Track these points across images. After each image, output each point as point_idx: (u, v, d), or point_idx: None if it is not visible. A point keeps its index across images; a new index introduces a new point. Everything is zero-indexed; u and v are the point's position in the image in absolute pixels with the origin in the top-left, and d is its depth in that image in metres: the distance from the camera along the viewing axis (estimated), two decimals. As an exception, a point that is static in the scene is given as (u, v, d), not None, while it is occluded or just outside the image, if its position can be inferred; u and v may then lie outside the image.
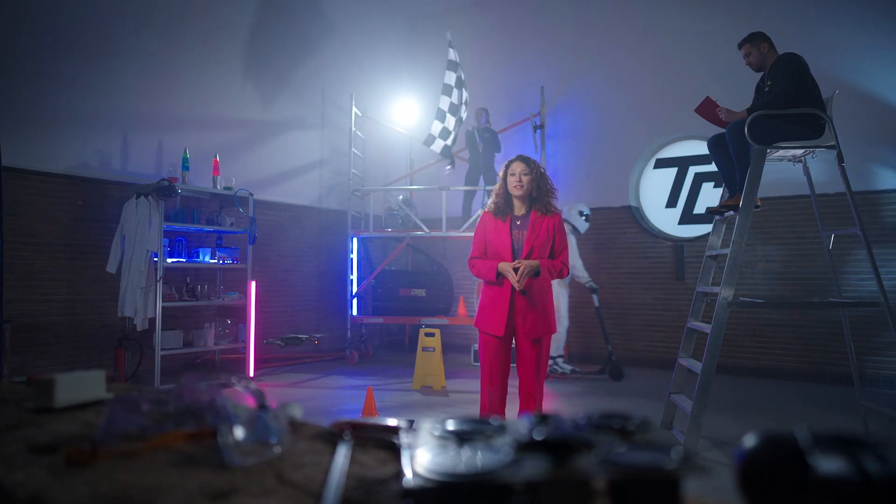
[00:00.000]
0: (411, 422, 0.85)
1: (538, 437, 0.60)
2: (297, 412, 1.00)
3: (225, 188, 6.20)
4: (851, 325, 4.71)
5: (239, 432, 0.79)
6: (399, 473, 0.73)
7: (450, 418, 0.74)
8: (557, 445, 0.59)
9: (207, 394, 0.96)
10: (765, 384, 6.33)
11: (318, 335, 7.14)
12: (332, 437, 0.90)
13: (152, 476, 0.74)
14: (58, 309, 5.56)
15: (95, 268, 5.74)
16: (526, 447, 0.61)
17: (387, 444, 0.85)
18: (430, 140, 7.55)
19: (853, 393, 4.64)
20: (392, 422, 0.89)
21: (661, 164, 7.74)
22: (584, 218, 6.97)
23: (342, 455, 0.78)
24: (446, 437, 0.68)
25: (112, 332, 5.81)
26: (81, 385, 1.09)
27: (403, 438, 0.85)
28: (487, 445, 0.64)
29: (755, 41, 4.33)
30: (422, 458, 0.61)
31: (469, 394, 5.77)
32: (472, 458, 0.59)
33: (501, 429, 0.69)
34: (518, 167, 3.51)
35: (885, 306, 4.17)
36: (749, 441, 0.56)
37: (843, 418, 4.90)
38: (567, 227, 6.45)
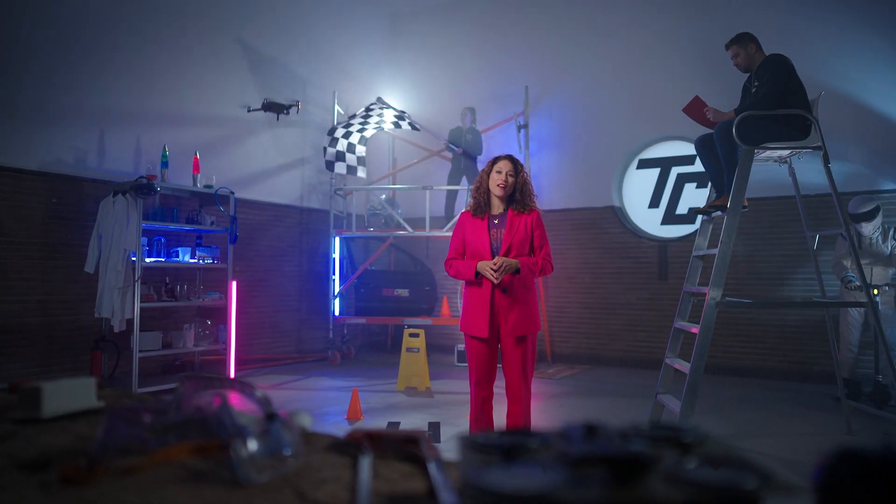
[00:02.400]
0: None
1: (599, 451, 0.54)
2: (307, 421, 0.93)
3: (205, 186, 6.07)
4: (835, 325, 4.75)
5: (252, 445, 0.72)
6: (430, 489, 0.67)
7: (487, 431, 0.69)
8: (617, 461, 0.54)
9: (210, 402, 0.89)
10: (749, 383, 6.37)
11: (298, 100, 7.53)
12: (348, 449, 0.84)
13: (158, 495, 0.67)
14: (31, 310, 5.40)
15: (70, 267, 5.58)
16: (581, 463, 0.55)
17: (408, 457, 0.79)
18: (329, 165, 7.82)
19: (836, 391, 4.68)
20: (413, 430, 0.83)
21: (644, 164, 7.76)
22: (862, 222, 5.28)
23: (365, 469, 0.72)
24: (488, 450, 0.62)
25: (87, 333, 5.65)
26: (70, 393, 1.01)
27: (427, 450, 0.79)
28: (535, 461, 0.58)
29: (742, 42, 4.35)
30: (464, 474, 0.56)
31: (454, 395, 5.72)
32: (522, 476, 0.54)
33: (546, 441, 0.63)
34: (506, 166, 3.44)
35: (869, 306, 4.21)
36: (829, 458, 0.51)
37: (827, 417, 4.94)
38: (843, 244, 5.29)
